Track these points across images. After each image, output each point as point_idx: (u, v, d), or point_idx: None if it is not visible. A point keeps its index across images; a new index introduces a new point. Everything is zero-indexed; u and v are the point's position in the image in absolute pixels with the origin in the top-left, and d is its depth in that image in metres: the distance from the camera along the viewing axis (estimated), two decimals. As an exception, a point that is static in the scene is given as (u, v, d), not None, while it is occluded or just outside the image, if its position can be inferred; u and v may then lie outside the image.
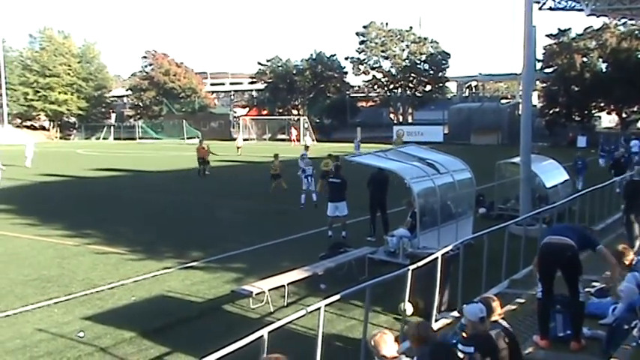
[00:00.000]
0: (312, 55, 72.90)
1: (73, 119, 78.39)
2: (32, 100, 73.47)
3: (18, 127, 73.60)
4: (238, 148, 45.79)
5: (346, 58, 70.66)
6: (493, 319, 5.81)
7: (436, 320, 8.48)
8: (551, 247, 7.03)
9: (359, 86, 74.81)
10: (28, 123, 76.94)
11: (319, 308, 6.35)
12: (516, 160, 16.90)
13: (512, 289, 9.33)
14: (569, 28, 58.81)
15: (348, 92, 73.24)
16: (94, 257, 13.64)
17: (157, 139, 67.05)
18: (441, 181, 13.45)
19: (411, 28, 69.03)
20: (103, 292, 10.97)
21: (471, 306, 5.82)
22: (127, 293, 10.90)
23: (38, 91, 73.46)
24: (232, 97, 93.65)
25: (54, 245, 14.88)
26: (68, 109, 75.43)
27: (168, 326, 9.28)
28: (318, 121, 68.61)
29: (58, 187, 27.61)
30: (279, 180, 22.75)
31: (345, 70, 72.57)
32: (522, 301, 8.70)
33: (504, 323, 5.86)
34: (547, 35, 58.50)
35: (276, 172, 22.99)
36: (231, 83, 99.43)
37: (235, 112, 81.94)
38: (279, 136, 64.28)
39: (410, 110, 72.26)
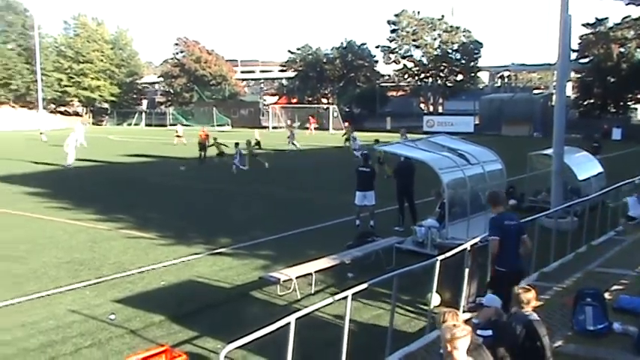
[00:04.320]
0: (342, 43, 72.83)
1: (105, 105, 79.57)
2: (66, 85, 74.86)
3: (52, 112, 74.92)
4: (178, 137, 41.51)
5: (377, 47, 70.48)
6: (526, 310, 5.77)
7: (464, 312, 8.43)
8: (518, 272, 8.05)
9: (389, 75, 74.29)
10: (62, 109, 78.33)
11: (346, 297, 6.36)
12: (549, 151, 16.64)
13: (541, 282, 9.21)
14: (607, 18, 57.54)
15: (378, 81, 72.86)
16: (124, 241, 13.85)
17: (187, 125, 67.62)
18: (471, 172, 13.32)
19: (443, 16, 68.33)
20: (133, 275, 11.15)
21: (491, 295, 5.89)
22: (157, 277, 11.05)
23: (72, 77, 74.76)
24: (262, 85, 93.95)
25: (86, 229, 15.15)
26: (101, 95, 76.66)
27: (197, 311, 9.40)
28: (347, 110, 68.47)
29: (90, 172, 28.10)
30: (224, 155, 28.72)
31: (375, 58, 72.33)
32: (552, 294, 8.60)
33: (535, 315, 5.80)
34: (583, 24, 57.28)
35: (222, 150, 28.94)
36: (262, 71, 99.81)
37: (265, 100, 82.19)
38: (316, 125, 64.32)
39: (440, 100, 71.59)
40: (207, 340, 8.13)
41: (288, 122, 58.37)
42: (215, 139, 31.14)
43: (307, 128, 57.67)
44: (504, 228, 7.81)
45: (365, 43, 72.81)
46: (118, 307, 9.47)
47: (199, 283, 10.80)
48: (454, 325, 4.73)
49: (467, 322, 5.98)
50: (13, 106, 72.87)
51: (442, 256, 8.04)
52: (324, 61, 72.61)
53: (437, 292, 8.20)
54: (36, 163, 30.20)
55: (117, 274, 11.21)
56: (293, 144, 37.81)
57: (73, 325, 8.72)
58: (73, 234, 14.65)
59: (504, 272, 7.71)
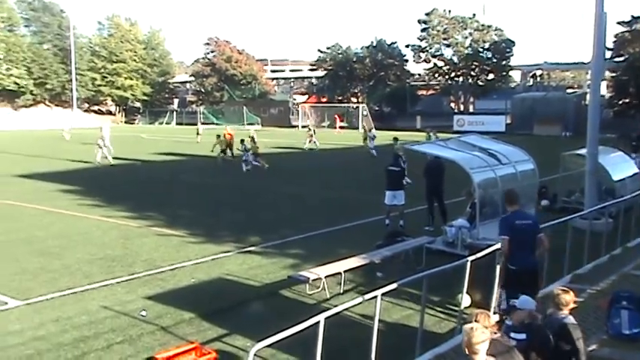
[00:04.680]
0: (372, 42, 72.69)
1: (137, 104, 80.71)
2: (100, 85, 76.20)
3: (86, 111, 76.34)
4: (198, 134, 43.93)
5: (407, 46, 70.10)
6: (563, 313, 5.66)
7: (495, 313, 8.33)
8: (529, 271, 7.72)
9: (419, 74, 73.87)
10: (96, 107, 79.75)
11: (376, 296, 6.33)
12: (582, 151, 16.36)
13: (574, 285, 9.05)
14: (643, 15, 56.23)
15: (408, 80, 72.48)
16: (156, 239, 14.02)
17: (218, 124, 68.18)
18: (503, 171, 13.17)
19: (474, 15, 67.74)
20: (164, 272, 11.26)
21: (525, 297, 5.82)
22: (187, 275, 11.15)
23: (105, 77, 76.09)
24: (292, 84, 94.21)
25: (118, 226, 15.38)
26: (133, 95, 77.83)
27: (227, 309, 9.45)
28: (377, 109, 68.29)
29: (122, 170, 28.51)
30: (224, 154, 30.17)
31: (405, 57, 71.95)
32: (586, 296, 8.44)
33: (571, 318, 5.68)
34: (618, 22, 56.07)
35: (224, 148, 30.49)
36: (291, 70, 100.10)
37: (295, 99, 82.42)
38: (341, 124, 64.33)
39: (471, 99, 70.91)
40: (236, 338, 8.17)
41: (308, 122, 58.45)
42: (218, 136, 31.21)
43: (335, 127, 57.81)
44: (515, 227, 7.78)
45: (395, 42, 72.60)
46: (149, 303, 9.58)
47: (229, 281, 10.87)
48: (472, 329, 4.66)
49: (499, 323, 5.91)
50: (48, 106, 74.49)
51: (473, 257, 7.96)
52: (354, 60, 72.52)
53: (467, 292, 8.12)
54: (70, 160, 30.75)
55: (148, 270, 11.35)
56: (314, 142, 38.44)
57: (105, 321, 8.85)
58: (105, 231, 14.88)
59: (514, 270, 7.68)
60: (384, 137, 34.22)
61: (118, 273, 11.21)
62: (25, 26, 75.04)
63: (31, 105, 72.46)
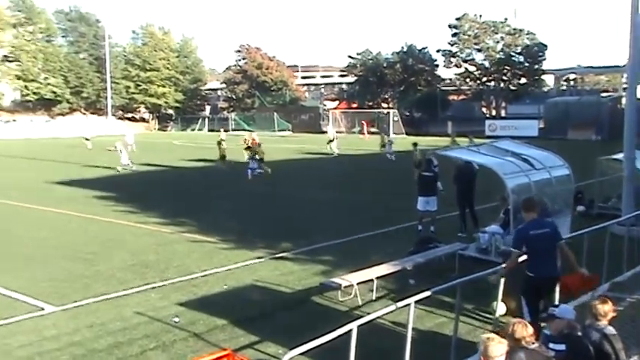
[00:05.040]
0: (402, 48, 72.37)
1: (170, 111, 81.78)
2: (134, 93, 77.47)
3: (120, 118, 77.64)
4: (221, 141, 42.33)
5: (438, 51, 69.66)
6: (602, 323, 5.51)
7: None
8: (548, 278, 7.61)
9: (450, 79, 73.34)
10: (129, 115, 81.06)
11: (409, 304, 6.26)
12: (619, 156, 16.01)
13: (613, 293, 8.83)
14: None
15: (439, 85, 72.04)
16: (188, 245, 14.13)
17: (249, 131, 68.60)
18: (537, 177, 12.93)
19: (505, 19, 67.08)
20: (197, 279, 11.33)
21: (565, 306, 5.68)
22: (220, 281, 11.19)
23: (139, 85, 77.33)
24: (322, 90, 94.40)
25: (151, 232, 15.54)
26: (166, 102, 78.91)
27: (259, 315, 9.45)
28: (408, 114, 67.96)
29: (155, 176, 28.90)
30: (225, 160, 30.38)
31: (436, 63, 71.45)
32: (625, 305, 8.23)
33: (611, 329, 5.52)
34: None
35: (224, 154, 30.52)
36: (322, 76, 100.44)
37: (325, 105, 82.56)
38: (369, 130, 64.17)
39: (503, 104, 70.10)
40: (269, 345, 8.16)
41: (330, 127, 57.89)
42: (219, 142, 30.92)
43: (362, 133, 57.73)
44: (530, 238, 7.62)
45: (426, 47, 72.12)
46: (182, 310, 9.63)
47: (261, 288, 10.88)
48: (488, 339, 4.57)
49: (537, 333, 5.78)
50: (84, 113, 75.97)
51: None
52: (385, 65, 72.34)
53: (502, 300, 7.98)
54: (104, 167, 31.22)
55: (181, 277, 11.42)
56: (329, 147, 38.40)
57: (138, 327, 8.92)
58: (138, 237, 15.06)
59: (531, 277, 7.56)
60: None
61: (151, 279, 11.31)
62: (63, 36, 76.98)
63: (67, 113, 74.02)
